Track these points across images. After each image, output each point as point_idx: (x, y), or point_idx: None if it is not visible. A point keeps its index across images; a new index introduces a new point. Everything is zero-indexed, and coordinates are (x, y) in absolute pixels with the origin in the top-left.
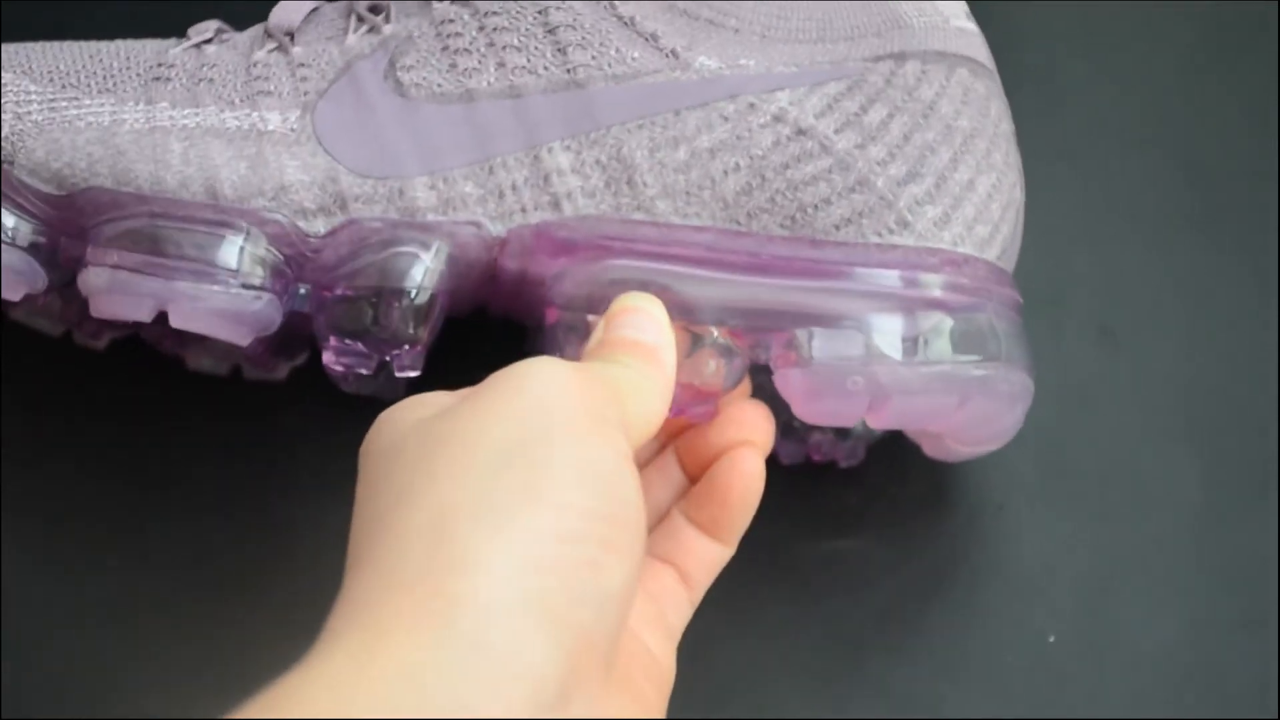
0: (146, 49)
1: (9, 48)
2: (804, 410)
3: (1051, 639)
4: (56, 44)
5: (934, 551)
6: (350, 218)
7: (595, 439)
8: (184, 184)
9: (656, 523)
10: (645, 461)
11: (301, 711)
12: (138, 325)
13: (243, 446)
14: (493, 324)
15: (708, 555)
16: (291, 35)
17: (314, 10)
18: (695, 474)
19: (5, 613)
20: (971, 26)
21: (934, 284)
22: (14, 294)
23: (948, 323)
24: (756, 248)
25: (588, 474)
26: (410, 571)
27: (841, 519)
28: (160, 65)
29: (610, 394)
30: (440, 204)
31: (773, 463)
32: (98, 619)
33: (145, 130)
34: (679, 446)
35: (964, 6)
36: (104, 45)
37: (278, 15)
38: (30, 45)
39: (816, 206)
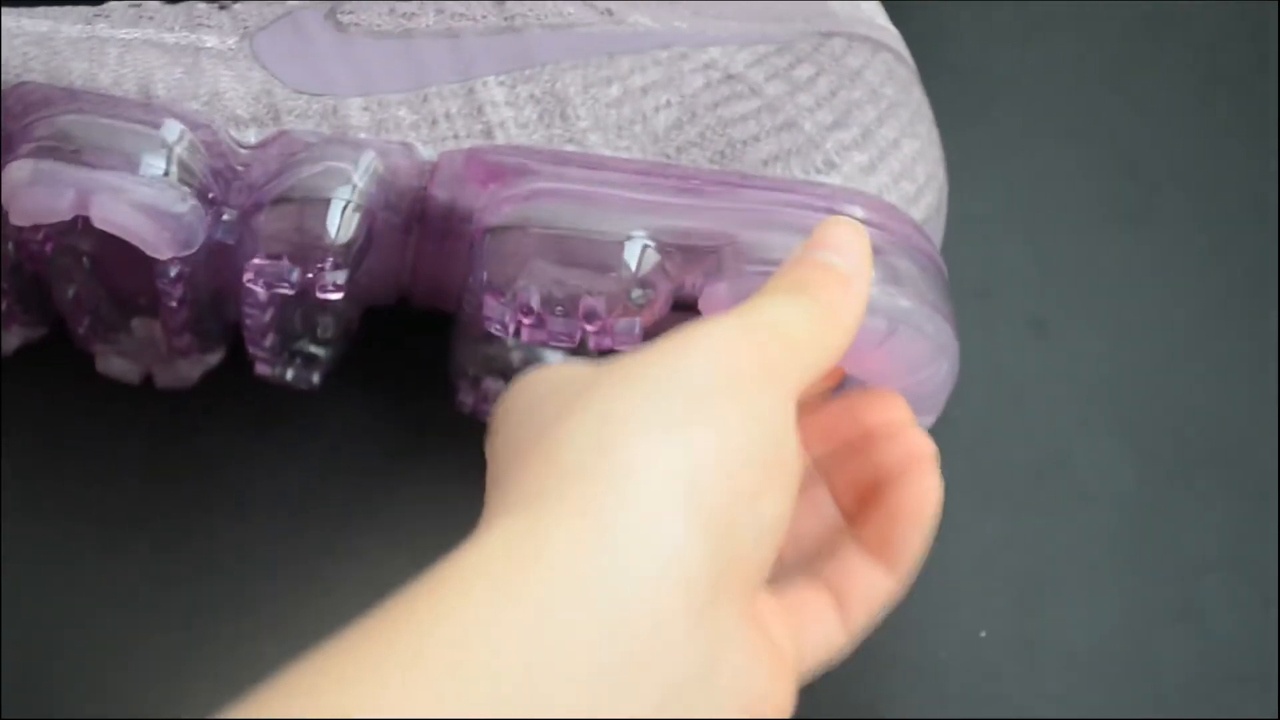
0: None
1: None
2: None
3: (983, 634)
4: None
5: None
6: (282, 129)
7: (763, 397)
8: (117, 81)
9: (805, 557)
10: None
11: (458, 604)
12: (54, 305)
13: (158, 447)
14: (416, 314)
15: (872, 583)
16: None
17: None
18: (850, 506)
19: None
20: (892, 29)
21: (859, 218)
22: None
23: (874, 258)
24: (685, 177)
25: (753, 422)
26: (573, 471)
27: None
28: (99, 13)
29: (782, 344)
30: (373, 125)
31: None
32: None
33: (82, 36)
34: (833, 476)
35: (885, 15)
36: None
37: None
38: None
39: (745, 143)
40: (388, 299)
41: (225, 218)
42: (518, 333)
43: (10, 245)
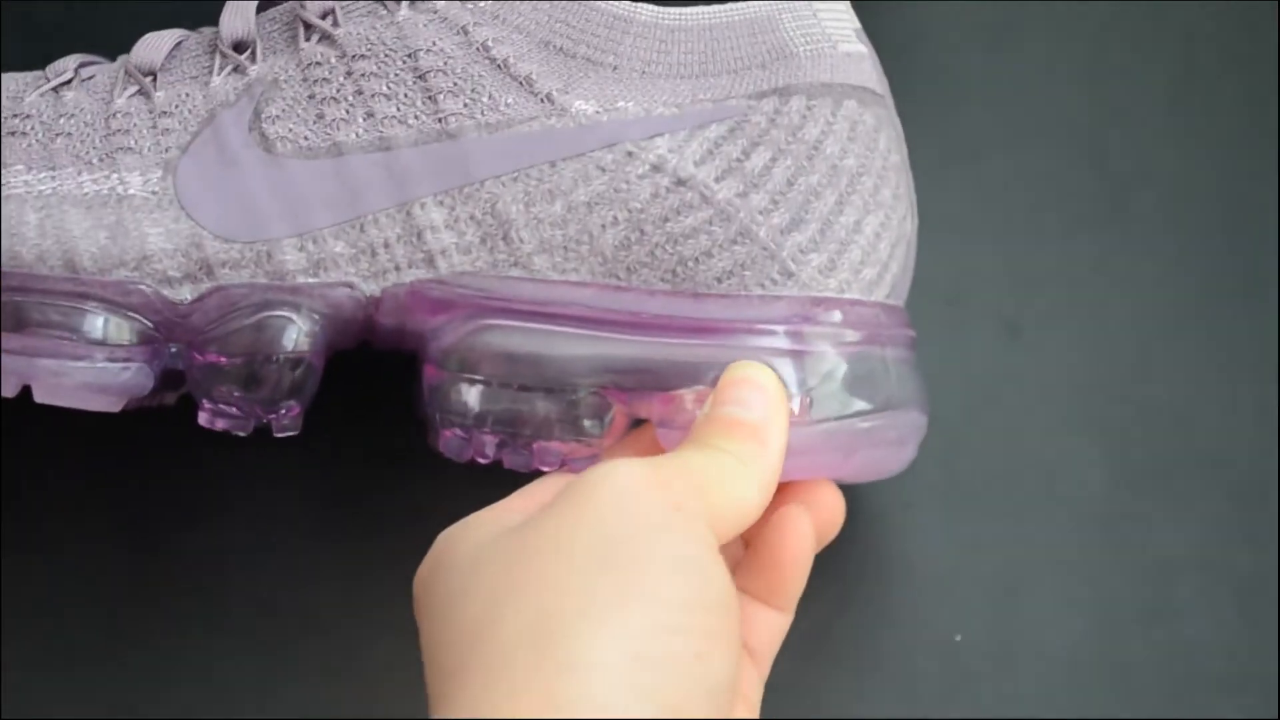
0: (6, 89)
1: None
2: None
3: (959, 638)
4: None
5: (841, 551)
6: (217, 284)
7: (678, 533)
8: (41, 258)
9: None
10: None
11: None
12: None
13: (133, 458)
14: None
15: (769, 625)
16: (154, 76)
17: (177, 45)
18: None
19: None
20: (862, 49)
21: (819, 335)
22: None
23: (838, 370)
24: (637, 304)
25: (679, 565)
26: (518, 679)
27: None
28: (15, 117)
29: (691, 486)
30: (310, 265)
31: None
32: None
33: (3, 193)
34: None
35: (855, 26)
36: None
37: (140, 52)
38: None
39: (698, 259)
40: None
41: (173, 350)
42: (472, 464)
43: None
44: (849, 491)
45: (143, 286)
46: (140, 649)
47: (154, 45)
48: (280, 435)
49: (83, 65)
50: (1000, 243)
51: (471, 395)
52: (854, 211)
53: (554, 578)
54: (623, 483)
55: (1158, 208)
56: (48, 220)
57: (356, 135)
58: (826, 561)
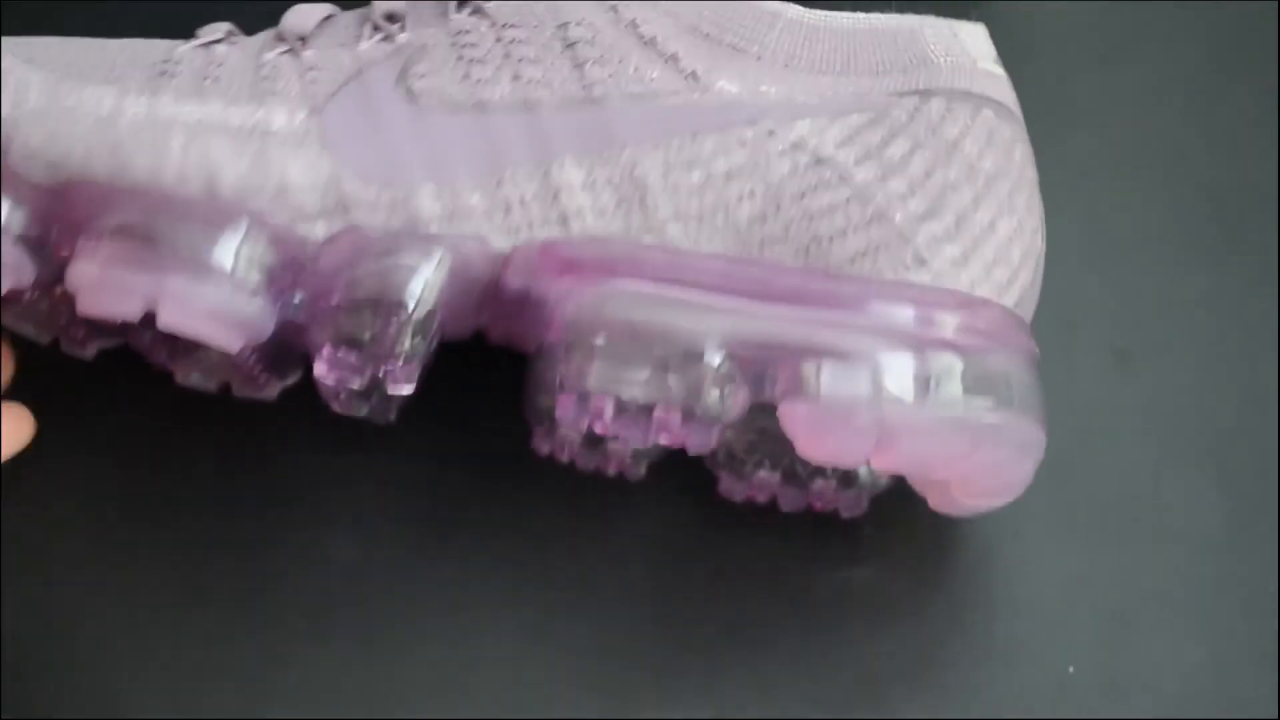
0: (155, 47)
1: (10, 40)
2: (808, 447)
3: (1071, 670)
4: (61, 38)
5: (949, 581)
6: (351, 224)
7: None
8: (182, 178)
9: None
10: None
11: None
12: (126, 333)
13: (234, 463)
14: (490, 348)
15: None
16: (304, 40)
17: (327, 18)
18: None
19: (5, 612)
20: (999, 71)
21: (949, 325)
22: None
23: (960, 365)
24: (768, 278)
25: None
26: None
27: (854, 548)
28: (166, 61)
29: None
30: (445, 215)
31: (773, 507)
32: (99, 619)
33: (145, 122)
34: None
35: (992, 52)
36: (111, 41)
37: (290, 19)
38: (33, 38)
39: (832, 239)
40: (462, 337)
41: (295, 300)
42: (590, 431)
43: None
44: (958, 521)
45: (278, 218)
46: (243, 659)
47: (304, 14)
48: (393, 391)
49: (230, 33)
50: (1110, 270)
51: (594, 360)
52: (989, 211)
53: None
54: None
55: (1268, 235)
56: (192, 144)
57: (501, 95)
58: (934, 591)
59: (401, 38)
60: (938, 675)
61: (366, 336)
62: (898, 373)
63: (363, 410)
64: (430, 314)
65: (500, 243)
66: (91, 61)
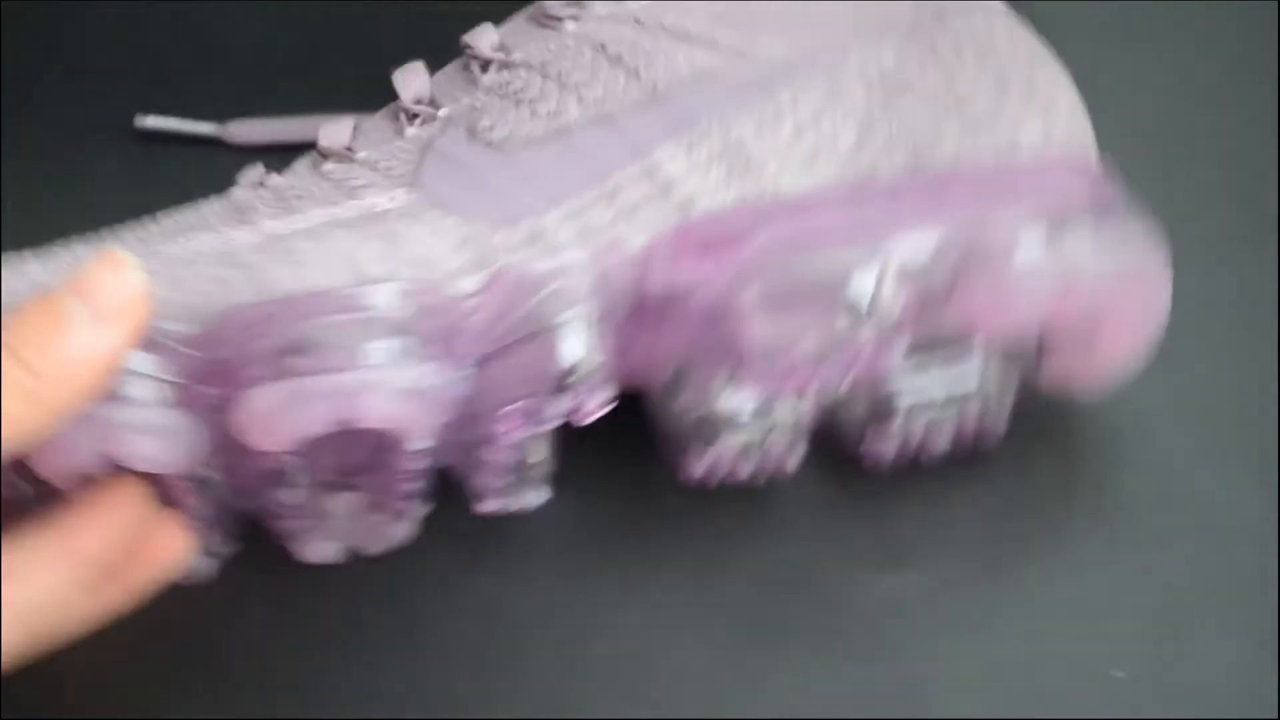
0: (202, 208)
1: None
2: (993, 317)
3: (1119, 674)
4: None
5: (992, 583)
6: (497, 268)
7: None
8: (327, 274)
9: None
10: None
11: None
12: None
13: None
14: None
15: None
16: (349, 149)
17: (356, 126)
18: None
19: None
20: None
21: (1065, 187)
22: (175, 459)
23: (1094, 216)
24: (893, 187)
25: None
26: None
27: (894, 552)
28: (235, 209)
29: None
30: (579, 234)
31: (842, 486)
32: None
33: (267, 242)
34: None
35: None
36: (147, 226)
37: (325, 140)
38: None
39: (930, 143)
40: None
41: (460, 374)
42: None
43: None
44: (1000, 518)
45: (430, 284)
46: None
47: (335, 130)
48: (583, 422)
49: (265, 174)
50: None
51: (768, 320)
52: (1045, 80)
53: None
54: None
55: None
56: (321, 244)
57: (576, 118)
58: (977, 593)
59: (443, 113)
60: (985, 678)
61: (548, 369)
62: (1043, 235)
63: (520, 503)
64: (598, 327)
65: (636, 244)
66: (164, 229)
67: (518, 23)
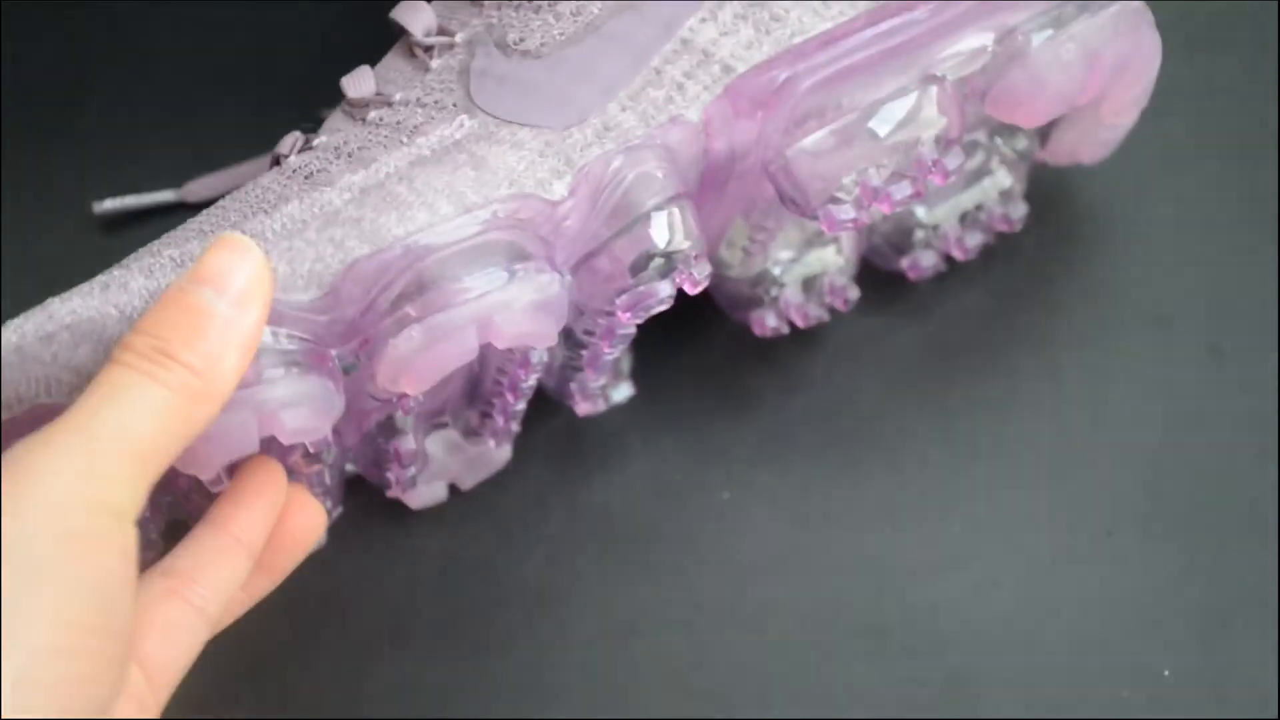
0: (266, 180)
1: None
2: (1031, 105)
3: (1167, 673)
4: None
5: (1041, 580)
6: (580, 168)
7: (89, 541)
8: (433, 211)
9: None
10: None
11: None
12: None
13: None
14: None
15: (255, 589)
16: (379, 94)
17: (373, 71)
18: None
19: None
20: None
21: None
22: (325, 424)
23: None
24: (908, 2)
25: (82, 585)
26: None
27: (947, 550)
28: (302, 176)
29: (131, 465)
30: (640, 118)
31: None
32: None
33: (359, 196)
34: None
35: None
36: (209, 211)
37: (351, 91)
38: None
39: None
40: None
41: (569, 278)
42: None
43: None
44: (1048, 516)
45: (525, 197)
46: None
47: (356, 79)
48: (692, 291)
49: (298, 138)
50: (1204, 264)
51: (834, 152)
52: None
53: None
54: (54, 494)
55: None
56: (415, 183)
57: (598, 11)
58: (1026, 592)
59: (460, 38)
60: (1034, 677)
61: (648, 251)
62: (1072, 5)
63: (612, 400)
64: (685, 203)
65: (693, 114)
66: (243, 204)
67: None
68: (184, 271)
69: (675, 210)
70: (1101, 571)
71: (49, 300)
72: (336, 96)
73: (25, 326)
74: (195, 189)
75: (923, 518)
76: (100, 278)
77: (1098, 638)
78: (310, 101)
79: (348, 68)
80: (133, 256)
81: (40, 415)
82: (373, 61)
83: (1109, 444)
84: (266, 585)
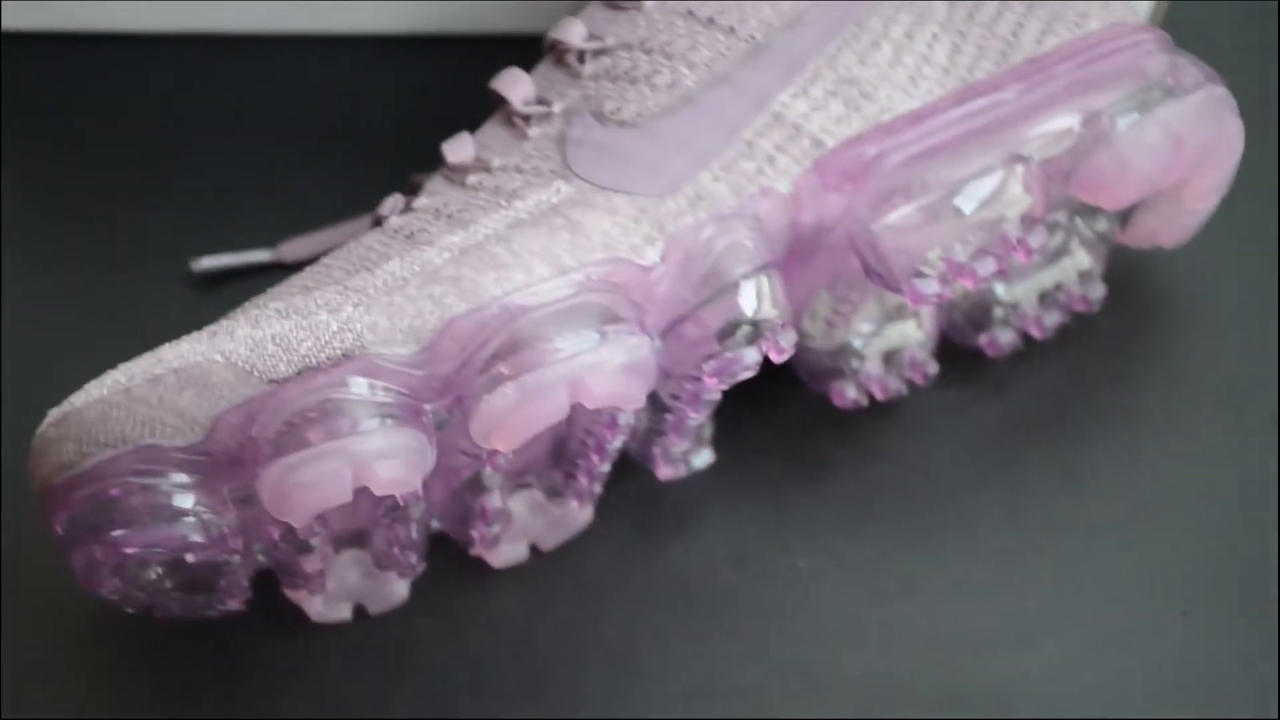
0: (369, 240)
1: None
2: (1117, 186)
3: None
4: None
5: (1116, 659)
6: (672, 235)
7: None
8: (529, 272)
9: None
10: None
11: None
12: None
13: None
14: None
15: None
16: (478, 159)
17: (473, 137)
18: None
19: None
20: None
21: (1148, 41)
22: (417, 477)
23: (1167, 61)
24: (993, 87)
25: None
26: None
27: (1026, 626)
28: (403, 236)
29: None
30: (732, 189)
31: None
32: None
33: (458, 256)
34: None
35: None
36: (314, 267)
37: (452, 156)
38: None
39: (1014, 34)
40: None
41: (659, 343)
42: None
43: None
44: (1123, 597)
45: (618, 262)
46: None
47: (458, 145)
48: (779, 357)
49: (398, 201)
50: (1270, 336)
51: (920, 228)
52: None
53: None
54: None
55: None
56: (513, 244)
57: (694, 83)
58: (1101, 671)
59: (557, 108)
60: None
61: (737, 320)
62: (1144, 90)
63: (693, 464)
64: (772, 273)
65: (783, 186)
66: (343, 269)
67: (593, 10)
68: (287, 322)
69: (764, 279)
70: (1176, 651)
71: (160, 346)
72: (422, 160)
73: (134, 369)
74: (290, 249)
75: (997, 592)
76: (209, 326)
77: (1171, 717)
78: (396, 165)
79: (430, 133)
80: (240, 308)
81: (146, 455)
82: (459, 126)
83: (1183, 522)
84: None
